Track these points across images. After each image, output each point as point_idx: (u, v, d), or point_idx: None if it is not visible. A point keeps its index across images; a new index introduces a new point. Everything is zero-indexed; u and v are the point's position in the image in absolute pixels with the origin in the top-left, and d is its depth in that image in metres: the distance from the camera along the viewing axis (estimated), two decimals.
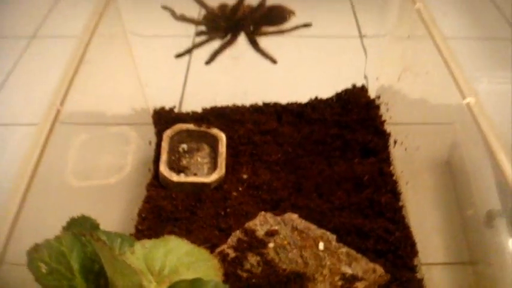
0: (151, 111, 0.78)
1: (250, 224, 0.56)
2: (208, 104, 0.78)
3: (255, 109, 0.78)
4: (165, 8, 0.62)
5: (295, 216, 0.56)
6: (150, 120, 0.77)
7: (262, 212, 0.57)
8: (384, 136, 0.72)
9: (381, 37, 0.76)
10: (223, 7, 0.62)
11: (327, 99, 0.79)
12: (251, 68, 0.68)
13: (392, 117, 0.73)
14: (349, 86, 0.79)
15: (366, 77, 0.79)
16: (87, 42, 0.57)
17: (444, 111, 0.59)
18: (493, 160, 0.45)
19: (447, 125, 0.59)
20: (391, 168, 0.69)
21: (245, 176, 0.69)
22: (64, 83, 0.51)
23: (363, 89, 0.79)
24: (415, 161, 0.67)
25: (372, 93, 0.79)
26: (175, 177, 0.67)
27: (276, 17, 0.62)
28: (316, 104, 0.78)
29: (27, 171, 0.43)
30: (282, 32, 0.62)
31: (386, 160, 0.69)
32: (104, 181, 0.63)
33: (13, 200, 0.41)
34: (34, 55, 0.97)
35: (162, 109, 0.78)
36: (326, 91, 0.80)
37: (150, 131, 0.76)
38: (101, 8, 0.62)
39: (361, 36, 0.93)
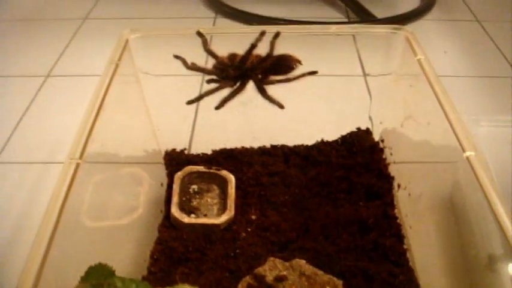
0: (162, 153, 0.80)
1: (259, 270, 0.58)
2: (218, 146, 0.81)
3: (263, 151, 0.80)
4: (176, 57, 0.65)
5: (303, 262, 0.58)
6: (161, 160, 0.79)
7: (271, 258, 0.59)
8: (388, 179, 0.74)
9: (385, 77, 0.78)
10: (232, 56, 0.65)
11: (333, 142, 0.81)
12: (259, 112, 0.70)
13: (396, 161, 0.75)
14: (354, 127, 0.81)
15: (370, 119, 0.81)
16: (104, 93, 0.60)
17: (446, 152, 0.60)
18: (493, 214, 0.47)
19: (450, 163, 0.60)
20: (395, 211, 0.70)
21: (254, 217, 0.71)
22: (82, 137, 0.53)
23: (368, 132, 0.81)
24: (418, 203, 0.68)
25: (376, 135, 0.81)
26: (186, 219, 0.69)
27: (284, 66, 0.65)
28: (322, 146, 0.80)
29: (51, 221, 0.45)
30: (289, 80, 0.65)
31: (391, 203, 0.71)
32: (118, 222, 0.65)
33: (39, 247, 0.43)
34: (49, 93, 1.00)
35: (173, 151, 0.81)
36: (332, 133, 0.81)
37: (162, 172, 0.78)
38: (116, 58, 0.66)
39: (365, 76, 0.96)
